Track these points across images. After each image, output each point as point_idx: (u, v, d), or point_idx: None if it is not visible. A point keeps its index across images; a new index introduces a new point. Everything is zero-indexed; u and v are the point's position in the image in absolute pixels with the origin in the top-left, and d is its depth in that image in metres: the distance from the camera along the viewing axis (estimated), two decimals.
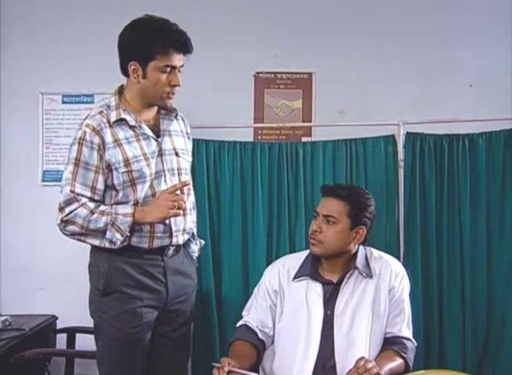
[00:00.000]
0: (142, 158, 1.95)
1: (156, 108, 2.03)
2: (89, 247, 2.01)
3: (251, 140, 3.10)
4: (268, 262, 2.36)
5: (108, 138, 1.93)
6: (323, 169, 2.76)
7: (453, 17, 3.21)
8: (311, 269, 2.03)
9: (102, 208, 1.91)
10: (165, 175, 1.99)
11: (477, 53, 3.20)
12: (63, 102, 3.23)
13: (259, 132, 3.20)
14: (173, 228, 1.99)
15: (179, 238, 2.02)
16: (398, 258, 2.30)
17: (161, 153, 1.99)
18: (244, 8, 3.22)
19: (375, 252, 2.10)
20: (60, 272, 3.13)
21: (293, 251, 2.56)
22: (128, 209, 1.91)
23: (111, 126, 1.94)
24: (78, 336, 2.89)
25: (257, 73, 3.25)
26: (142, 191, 1.96)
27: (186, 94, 3.14)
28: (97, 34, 3.19)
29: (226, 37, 3.20)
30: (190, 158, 2.14)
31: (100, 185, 1.93)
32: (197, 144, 2.70)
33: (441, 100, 3.16)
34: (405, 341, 1.98)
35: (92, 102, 3.19)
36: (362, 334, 1.94)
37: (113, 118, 1.94)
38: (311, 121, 3.23)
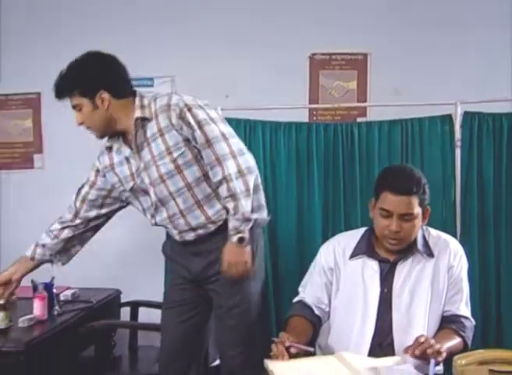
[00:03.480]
0: (130, 179, 2.09)
1: (126, 120, 2.06)
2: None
3: (306, 121, 3.13)
4: (324, 240, 2.36)
5: (105, 163, 2.15)
6: (378, 149, 2.75)
7: None
8: (367, 247, 2.02)
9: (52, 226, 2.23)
10: (149, 189, 2.07)
11: None
12: None
13: (314, 113, 3.23)
14: (174, 232, 2.10)
15: (186, 236, 2.08)
16: (454, 238, 2.28)
17: (143, 167, 2.06)
18: None
19: (433, 232, 2.07)
20: (124, 249, 3.28)
21: (348, 229, 2.57)
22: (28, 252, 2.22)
23: (108, 151, 2.15)
24: (141, 310, 3.02)
25: (312, 54, 3.27)
26: (144, 202, 2.12)
27: (244, 76, 3.24)
28: (153, 22, 3.29)
29: (282, 19, 3.22)
30: (175, 145, 2.01)
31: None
32: (253, 125, 2.75)
33: (500, 78, 3.10)
34: (463, 320, 1.96)
35: (152, 85, 3.29)
36: (421, 313, 1.93)
37: (105, 145, 2.15)
38: (365, 102, 3.22)
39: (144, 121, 2.02)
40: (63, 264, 2.27)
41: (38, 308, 2.42)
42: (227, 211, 1.99)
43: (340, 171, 2.76)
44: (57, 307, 2.56)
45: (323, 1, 3.23)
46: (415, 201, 1.90)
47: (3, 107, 3.45)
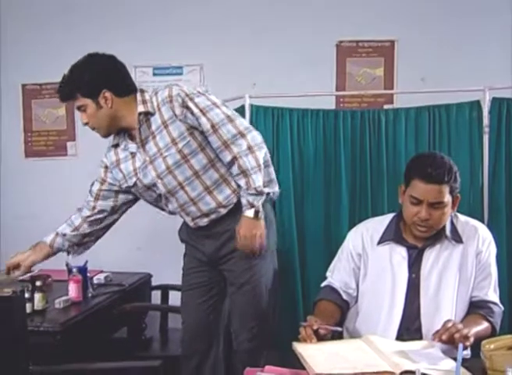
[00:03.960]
0: (133, 175, 2.14)
1: (129, 116, 2.11)
2: None
3: (333, 108, 3.14)
4: (351, 226, 2.37)
5: (112, 159, 2.21)
6: (405, 136, 2.74)
7: None
8: (395, 234, 2.02)
9: (73, 217, 2.29)
10: (156, 182, 2.11)
11: None
12: (154, 74, 3.39)
13: (341, 100, 3.24)
14: (187, 219, 2.17)
15: (200, 222, 2.15)
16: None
17: (149, 161, 2.11)
18: None
19: (461, 217, 2.06)
20: (154, 233, 3.35)
21: (375, 215, 2.58)
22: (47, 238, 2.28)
23: (114, 148, 2.20)
24: (171, 293, 3.09)
25: (340, 41, 3.27)
26: (148, 197, 2.18)
27: (271, 64, 3.26)
28: (181, 11, 3.32)
29: (309, 7, 3.23)
30: (180, 135, 2.07)
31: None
32: (281, 112, 2.77)
33: None
34: (491, 306, 1.96)
35: (181, 74, 3.33)
36: (449, 298, 1.94)
37: (111, 143, 2.20)
38: (392, 89, 3.22)
39: (147, 115, 2.08)
40: (78, 255, 2.36)
41: (73, 291, 2.51)
42: (239, 187, 2.06)
43: (367, 158, 2.76)
44: (91, 289, 2.64)
45: None
46: (446, 189, 1.89)
47: (37, 96, 3.54)
